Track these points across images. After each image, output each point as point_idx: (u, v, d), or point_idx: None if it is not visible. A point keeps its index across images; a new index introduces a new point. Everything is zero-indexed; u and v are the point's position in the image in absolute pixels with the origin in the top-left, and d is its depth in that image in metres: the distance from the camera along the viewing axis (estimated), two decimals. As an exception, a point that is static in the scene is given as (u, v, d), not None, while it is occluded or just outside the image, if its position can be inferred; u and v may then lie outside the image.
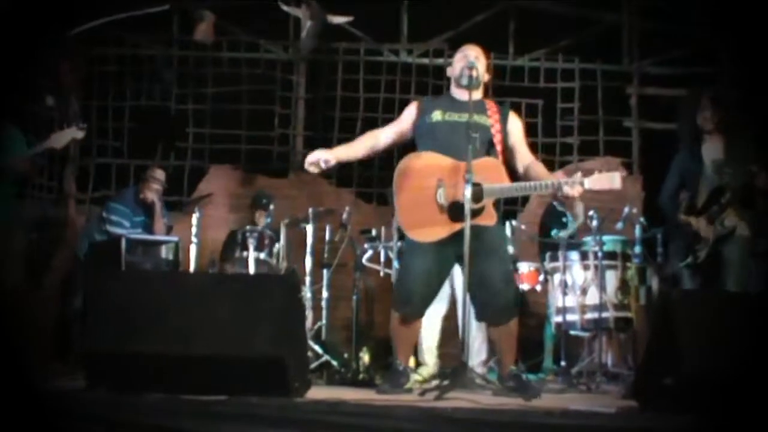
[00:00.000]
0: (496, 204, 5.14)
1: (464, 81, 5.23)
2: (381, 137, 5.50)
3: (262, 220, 8.23)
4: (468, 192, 4.81)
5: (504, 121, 5.30)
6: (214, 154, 9.81)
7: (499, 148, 5.21)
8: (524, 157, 5.31)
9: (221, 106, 9.86)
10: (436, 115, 5.27)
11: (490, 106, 5.36)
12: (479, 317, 5.31)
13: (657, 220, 7.35)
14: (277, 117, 9.94)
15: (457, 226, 4.98)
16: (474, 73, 5.21)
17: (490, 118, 5.26)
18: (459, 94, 5.30)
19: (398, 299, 5.36)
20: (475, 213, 4.96)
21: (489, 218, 5.05)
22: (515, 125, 5.37)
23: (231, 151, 9.84)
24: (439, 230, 5.05)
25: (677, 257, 6.57)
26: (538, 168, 5.23)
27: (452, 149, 5.08)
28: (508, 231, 7.30)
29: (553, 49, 10.01)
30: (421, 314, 5.38)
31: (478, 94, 5.34)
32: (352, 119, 9.93)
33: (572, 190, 4.90)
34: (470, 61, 5.26)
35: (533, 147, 9.75)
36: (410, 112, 5.43)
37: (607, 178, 4.89)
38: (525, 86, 9.95)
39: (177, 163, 9.72)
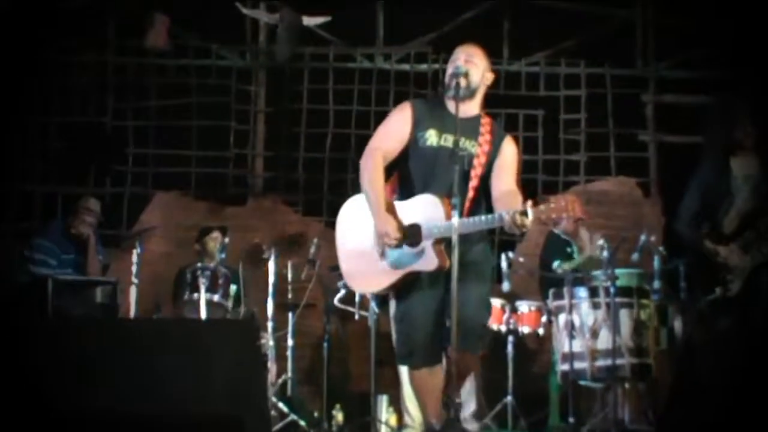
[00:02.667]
0: (444, 244, 5.15)
1: (449, 92, 5.17)
2: (385, 160, 5.40)
3: (216, 254, 8.19)
4: (455, 220, 4.83)
5: (496, 144, 5.26)
6: (158, 178, 9.81)
7: (477, 172, 5.16)
8: (502, 184, 5.24)
9: (167, 121, 9.88)
10: (431, 137, 5.22)
11: (485, 125, 5.29)
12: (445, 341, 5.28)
13: (679, 249, 7.37)
14: (232, 134, 9.95)
15: (399, 274, 5.09)
16: (462, 82, 5.12)
17: (480, 139, 5.21)
18: (452, 106, 5.29)
19: (401, 351, 5.34)
20: (409, 259, 5.05)
21: (429, 263, 5.07)
22: (508, 152, 5.30)
23: (178, 174, 9.84)
24: (380, 280, 5.17)
25: (703, 292, 6.56)
26: (509, 198, 5.16)
27: (436, 181, 5.13)
28: (504, 264, 7.32)
29: (555, 52, 10.09)
30: (434, 359, 5.30)
31: (473, 107, 5.27)
32: (321, 136, 9.95)
33: (516, 222, 4.86)
34: (457, 67, 5.18)
35: (531, 165, 9.99)
36: (404, 121, 5.33)
37: (560, 206, 4.85)
38: (522, 95, 10.01)
39: (114, 191, 9.71)
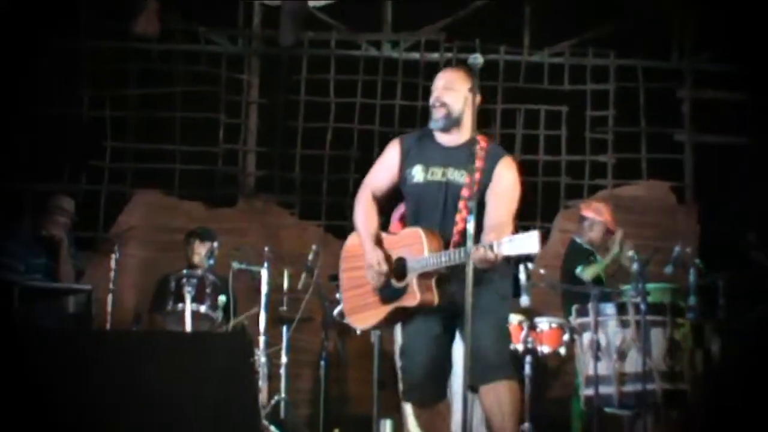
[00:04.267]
0: (438, 279, 5.30)
1: (432, 124, 5.47)
2: (378, 198, 5.63)
3: (203, 261, 8.17)
4: (426, 253, 5.20)
5: (488, 169, 5.37)
6: (139, 175, 9.80)
7: (464, 197, 5.27)
8: (490, 216, 5.35)
9: (149, 113, 9.87)
10: (417, 173, 5.48)
11: (480, 149, 5.40)
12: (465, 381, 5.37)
13: (718, 261, 7.36)
14: (222, 127, 9.94)
15: (387, 310, 5.38)
16: (439, 113, 5.39)
17: (471, 167, 5.31)
18: (440, 136, 5.50)
19: (402, 386, 5.63)
20: (397, 293, 5.32)
21: (411, 299, 5.30)
22: (501, 177, 5.42)
23: (162, 171, 9.83)
24: (372, 315, 5.50)
25: (744, 309, 6.57)
26: (494, 233, 5.25)
27: (425, 217, 5.39)
28: (522, 276, 7.29)
29: (581, 41, 10.09)
30: (433, 397, 5.55)
31: (463, 134, 5.41)
32: (320, 131, 9.95)
33: (482, 256, 4.98)
34: (434, 98, 5.42)
35: (553, 167, 9.96)
36: (393, 157, 5.60)
37: (521, 242, 4.97)
38: (544, 89, 10.02)
39: (90, 188, 9.69)
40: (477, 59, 5.15)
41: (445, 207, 5.32)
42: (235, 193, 9.91)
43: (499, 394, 5.44)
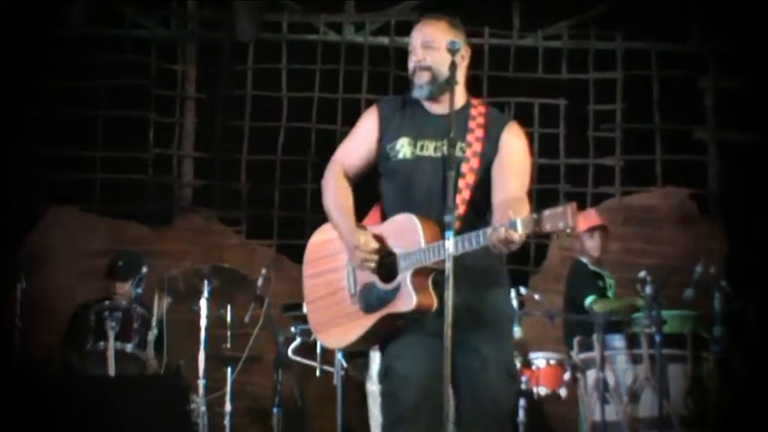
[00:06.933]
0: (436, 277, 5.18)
1: (416, 93, 5.29)
2: (350, 177, 5.52)
3: (128, 289, 8.16)
4: (423, 243, 4.91)
5: (491, 138, 5.30)
6: (52, 186, 9.75)
7: (467, 180, 5.21)
8: (501, 190, 5.28)
9: (63, 111, 9.82)
10: (403, 148, 5.30)
11: (477, 115, 5.35)
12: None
13: (747, 283, 7.39)
14: (152, 128, 9.94)
15: (372, 319, 5.14)
16: (426, 77, 5.24)
17: (469, 137, 5.26)
18: (429, 104, 5.32)
19: (388, 420, 5.27)
20: (386, 297, 5.08)
21: (405, 302, 5.08)
22: (509, 146, 5.33)
23: (80, 182, 9.80)
24: (350, 328, 5.23)
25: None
26: (510, 208, 5.16)
27: (415, 201, 5.19)
28: (514, 303, 7.29)
29: (582, 21, 10.11)
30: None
31: (459, 98, 5.36)
32: (271, 132, 9.94)
33: (502, 237, 4.90)
34: (416, 61, 5.27)
35: (550, 172, 9.98)
36: (369, 128, 5.45)
37: (553, 216, 4.88)
38: (539, 78, 10.05)
39: (-7, 202, 9.66)
40: (455, 44, 5.15)
41: (440, 186, 5.05)
42: (168, 207, 9.90)
43: None
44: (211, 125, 10.07)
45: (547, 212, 4.66)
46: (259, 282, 7.67)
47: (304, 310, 7.52)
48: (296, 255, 9.63)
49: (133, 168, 9.87)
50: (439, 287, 4.92)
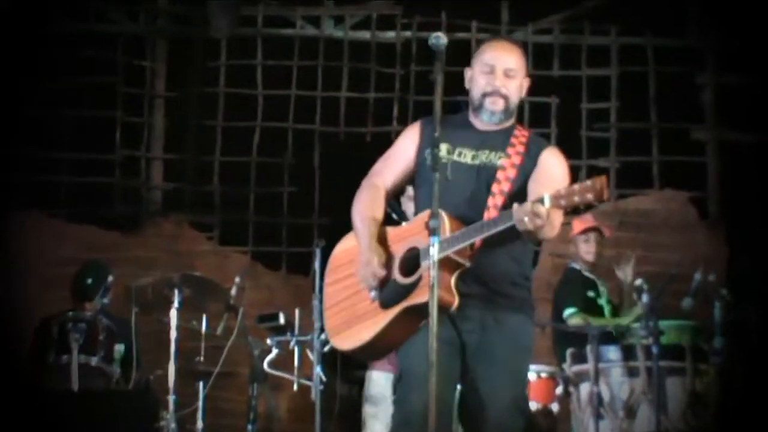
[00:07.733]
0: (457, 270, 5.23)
1: (485, 116, 5.44)
2: (387, 191, 5.64)
3: (95, 302, 8.13)
4: (434, 251, 4.89)
5: (531, 155, 5.41)
6: (14, 191, 9.72)
7: (502, 187, 5.28)
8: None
9: (26, 110, 9.81)
10: (441, 152, 5.40)
11: (520, 136, 5.47)
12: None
13: (750, 291, 7.38)
14: (119, 128, 9.92)
15: (390, 315, 5.24)
16: (500, 105, 5.40)
17: (509, 150, 5.37)
18: (477, 121, 5.51)
19: (397, 423, 5.36)
20: (404, 291, 5.18)
21: (421, 294, 5.14)
22: (549, 163, 5.47)
23: (44, 186, 9.80)
24: (366, 326, 5.33)
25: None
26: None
27: (457, 205, 5.27)
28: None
29: (575, 15, 10.13)
30: None
31: (507, 122, 5.52)
32: (245, 132, 9.93)
33: (528, 209, 4.97)
34: (495, 87, 5.38)
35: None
36: (410, 141, 5.61)
37: (581, 191, 4.97)
38: (529, 75, 9.99)
39: (-49, 208, 9.63)
40: (440, 39, 5.14)
41: (473, 192, 5.27)
42: (136, 212, 9.89)
43: None
44: (181, 125, 10.08)
45: (576, 186, 4.85)
46: (233, 291, 7.67)
47: (281, 320, 7.61)
48: (272, 262, 9.70)
49: (100, 170, 9.87)
50: (462, 285, 5.11)
